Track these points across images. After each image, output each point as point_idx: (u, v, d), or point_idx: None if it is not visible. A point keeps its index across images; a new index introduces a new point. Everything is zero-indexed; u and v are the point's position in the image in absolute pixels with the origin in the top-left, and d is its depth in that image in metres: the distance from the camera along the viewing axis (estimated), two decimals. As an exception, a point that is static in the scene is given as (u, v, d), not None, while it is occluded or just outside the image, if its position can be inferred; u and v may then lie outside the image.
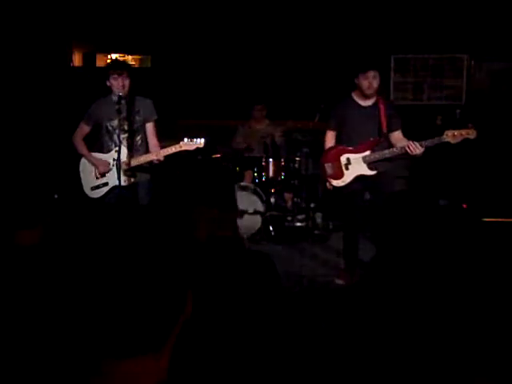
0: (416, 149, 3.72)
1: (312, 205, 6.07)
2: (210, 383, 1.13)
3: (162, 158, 3.86)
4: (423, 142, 3.73)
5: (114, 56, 7.22)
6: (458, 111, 6.97)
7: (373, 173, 4.00)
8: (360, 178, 4.06)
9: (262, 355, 1.18)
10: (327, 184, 4.19)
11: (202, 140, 3.85)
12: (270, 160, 5.81)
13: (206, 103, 6.93)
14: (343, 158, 4.08)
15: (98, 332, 0.76)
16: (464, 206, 6.04)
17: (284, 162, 5.85)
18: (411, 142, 3.74)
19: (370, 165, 3.99)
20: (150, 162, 3.96)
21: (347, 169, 4.08)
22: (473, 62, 6.94)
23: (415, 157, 3.79)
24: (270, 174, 5.80)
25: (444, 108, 6.94)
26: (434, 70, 7.02)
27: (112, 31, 6.85)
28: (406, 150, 3.77)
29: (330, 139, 4.21)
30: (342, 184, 4.12)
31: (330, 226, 5.85)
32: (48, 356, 0.81)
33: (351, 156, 4.05)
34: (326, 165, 4.18)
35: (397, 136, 3.97)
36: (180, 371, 0.92)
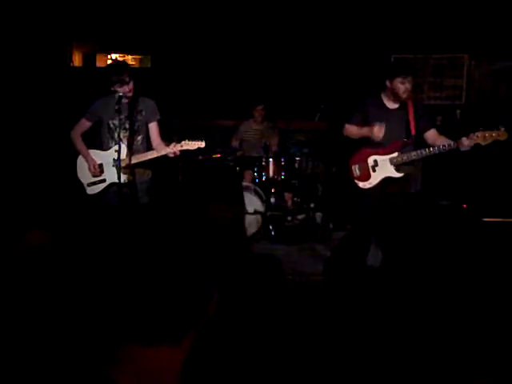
0: (468, 146, 3.63)
1: (312, 205, 6.07)
2: (223, 379, 1.14)
3: (178, 152, 3.88)
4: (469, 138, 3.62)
5: (114, 56, 7.22)
6: (458, 111, 6.97)
7: (400, 175, 3.94)
8: (383, 182, 4.02)
9: (274, 356, 1.19)
10: (360, 184, 4.13)
11: (203, 141, 3.89)
12: (270, 160, 5.82)
13: (205, 103, 6.94)
14: (370, 160, 4.03)
15: (122, 319, 0.78)
16: (464, 205, 6.06)
17: (284, 162, 5.85)
18: (465, 138, 3.62)
19: (397, 167, 3.95)
20: (151, 160, 3.98)
21: (374, 170, 4.02)
22: (473, 62, 6.94)
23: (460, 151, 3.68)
24: (270, 173, 5.80)
25: (444, 108, 6.94)
26: (434, 70, 7.02)
27: (112, 31, 6.85)
28: (452, 147, 3.66)
29: (357, 128, 4.08)
30: (369, 186, 4.05)
31: (330, 226, 5.85)
32: (71, 341, 0.83)
33: (378, 157, 3.99)
34: (353, 166, 4.13)
35: (432, 134, 3.88)
36: (194, 365, 0.93)
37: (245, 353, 1.16)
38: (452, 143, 3.71)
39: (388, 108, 3.99)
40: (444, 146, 3.73)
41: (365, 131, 4.00)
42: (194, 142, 3.88)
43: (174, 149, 3.87)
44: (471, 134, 3.61)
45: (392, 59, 6.88)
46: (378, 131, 3.88)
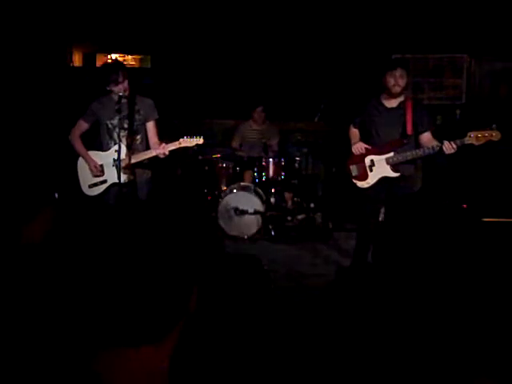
0: (451, 149, 3.67)
1: (312, 205, 6.07)
2: (210, 377, 1.14)
3: (167, 152, 3.87)
4: (457, 141, 3.68)
5: (114, 56, 7.22)
6: (457, 111, 6.97)
7: (396, 175, 3.95)
8: (380, 182, 4.03)
9: (261, 353, 1.19)
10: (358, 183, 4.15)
11: (201, 137, 3.88)
12: (270, 160, 5.82)
13: (205, 103, 6.94)
14: (367, 160, 4.05)
15: (100, 321, 0.77)
16: (464, 205, 6.05)
17: (284, 162, 5.85)
18: (447, 142, 3.69)
19: (394, 167, 3.96)
20: (150, 160, 3.97)
21: (371, 170, 4.04)
22: (473, 62, 6.94)
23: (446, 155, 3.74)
24: (270, 174, 5.81)
25: (444, 108, 6.94)
26: (434, 70, 7.02)
27: (112, 31, 6.85)
28: (440, 150, 3.70)
29: (354, 135, 4.19)
30: (367, 186, 4.07)
31: (330, 226, 5.86)
32: (50, 345, 0.82)
33: (375, 157, 4.01)
34: (351, 166, 4.16)
35: (426, 137, 3.91)
36: (181, 364, 0.93)
37: (236, 350, 1.15)
38: (435, 146, 3.74)
39: (386, 107, 4.01)
40: (428, 148, 3.78)
41: (352, 142, 4.17)
42: (192, 139, 3.87)
43: (162, 150, 3.86)
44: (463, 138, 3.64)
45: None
46: (357, 149, 4.07)
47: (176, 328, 0.82)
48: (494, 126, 3.56)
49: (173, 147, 3.87)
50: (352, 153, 4.16)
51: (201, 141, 3.89)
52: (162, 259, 0.80)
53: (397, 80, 3.87)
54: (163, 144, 3.89)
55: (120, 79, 3.80)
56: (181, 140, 3.87)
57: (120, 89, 3.80)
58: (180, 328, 0.83)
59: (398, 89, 3.89)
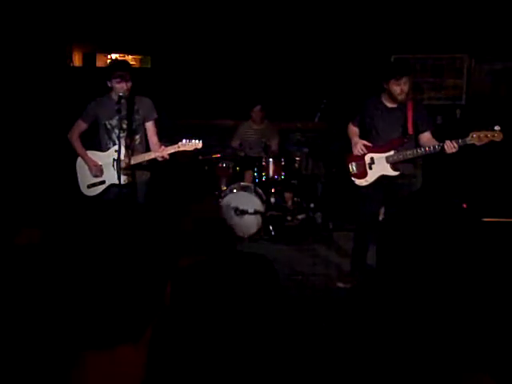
0: (453, 148, 3.68)
1: (312, 205, 6.07)
2: (189, 374, 1.13)
3: (166, 156, 3.86)
4: (459, 141, 3.68)
5: (114, 56, 7.22)
6: (458, 111, 6.97)
7: (396, 173, 3.96)
8: (379, 181, 4.04)
9: (259, 353, 1.18)
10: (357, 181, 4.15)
11: (200, 141, 3.87)
12: (270, 160, 5.82)
13: (205, 103, 6.93)
14: (367, 158, 4.06)
15: (78, 324, 0.77)
16: (464, 205, 6.05)
17: (284, 162, 5.85)
18: (449, 141, 3.70)
19: (394, 165, 3.96)
20: (150, 161, 3.96)
21: (371, 168, 4.05)
22: (473, 62, 6.94)
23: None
24: (270, 173, 5.81)
25: (444, 108, 6.94)
26: (434, 70, 7.01)
27: (112, 31, 6.85)
28: (441, 149, 3.71)
29: (354, 133, 4.20)
30: (366, 183, 4.09)
31: (330, 226, 5.85)
32: (30, 349, 0.81)
33: (375, 155, 4.02)
34: (350, 164, 4.17)
35: (426, 137, 3.93)
36: (159, 361, 0.92)
37: (232, 349, 1.15)
38: (437, 145, 3.75)
39: (386, 107, 4.01)
40: (430, 148, 3.78)
41: (353, 141, 4.16)
42: (191, 143, 3.86)
43: (162, 153, 3.85)
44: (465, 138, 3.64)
45: (392, 59, 6.87)
46: (357, 150, 4.08)
47: (150, 327, 0.82)
48: (496, 127, 3.55)
49: (172, 150, 3.87)
50: (352, 151, 4.18)
51: (200, 145, 3.88)
52: (134, 258, 0.80)
53: (402, 88, 3.87)
54: (162, 147, 3.88)
55: (127, 77, 3.80)
56: (180, 144, 3.86)
57: (122, 87, 3.79)
58: (154, 326, 0.83)
59: (403, 96, 3.90)
